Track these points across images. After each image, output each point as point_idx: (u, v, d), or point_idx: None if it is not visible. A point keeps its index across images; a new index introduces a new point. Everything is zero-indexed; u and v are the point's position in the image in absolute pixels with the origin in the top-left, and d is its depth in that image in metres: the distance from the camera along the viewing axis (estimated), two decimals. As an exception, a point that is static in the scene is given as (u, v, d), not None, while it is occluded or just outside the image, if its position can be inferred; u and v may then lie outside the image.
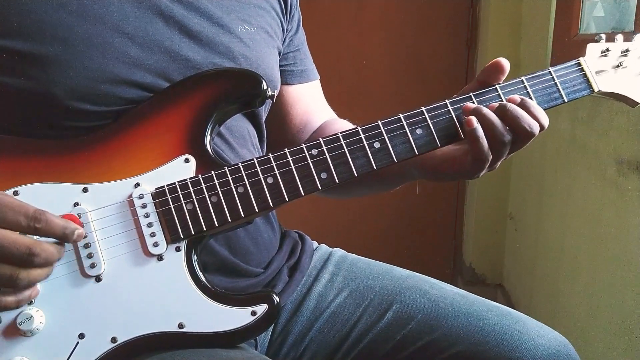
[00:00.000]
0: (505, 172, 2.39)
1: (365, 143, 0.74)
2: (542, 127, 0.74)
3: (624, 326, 1.33)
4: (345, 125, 0.98)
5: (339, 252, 0.99)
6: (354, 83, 2.53)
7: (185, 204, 0.71)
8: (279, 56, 0.91)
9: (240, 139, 0.83)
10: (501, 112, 0.73)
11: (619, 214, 1.37)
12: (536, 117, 0.73)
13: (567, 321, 1.70)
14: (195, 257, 0.72)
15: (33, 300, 0.67)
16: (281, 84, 0.95)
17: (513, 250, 2.39)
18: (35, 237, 0.65)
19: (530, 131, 0.73)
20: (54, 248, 0.66)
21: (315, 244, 1.01)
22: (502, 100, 0.76)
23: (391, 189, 0.92)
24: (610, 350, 1.40)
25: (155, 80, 0.75)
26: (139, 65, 0.74)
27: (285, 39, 0.93)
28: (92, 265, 0.69)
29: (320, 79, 1.03)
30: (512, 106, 0.73)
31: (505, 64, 0.75)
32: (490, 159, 0.73)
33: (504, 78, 0.77)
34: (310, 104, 0.99)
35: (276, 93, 0.88)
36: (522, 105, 0.74)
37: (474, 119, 0.72)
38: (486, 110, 0.73)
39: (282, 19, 0.91)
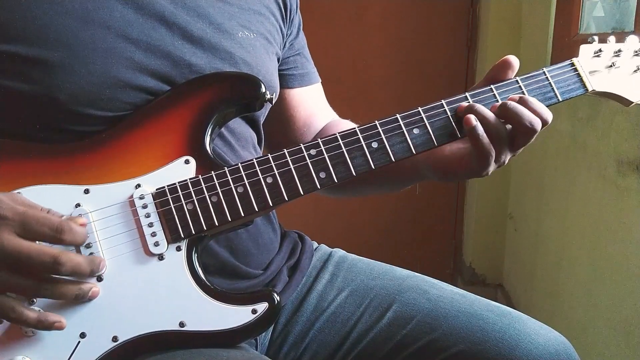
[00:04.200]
0: (505, 172, 2.38)
1: (363, 143, 0.74)
2: (545, 122, 0.75)
3: (624, 326, 1.33)
4: (347, 125, 0.99)
5: (339, 252, 1.00)
6: (354, 84, 2.53)
7: (186, 203, 0.71)
8: (278, 62, 0.92)
9: (242, 141, 0.84)
10: (503, 110, 0.74)
11: (619, 214, 1.38)
12: (537, 113, 0.74)
13: (566, 321, 1.70)
14: (196, 256, 0.72)
15: (35, 300, 0.67)
16: (283, 88, 0.95)
17: (513, 250, 2.39)
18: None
19: (531, 127, 0.73)
20: (82, 259, 0.66)
21: (315, 244, 1.01)
22: (496, 100, 0.77)
23: (402, 189, 0.93)
24: (610, 350, 1.40)
25: (158, 85, 0.75)
26: (143, 70, 0.74)
27: (285, 44, 0.93)
28: (94, 265, 0.69)
29: (320, 80, 1.03)
30: (512, 104, 0.74)
31: (514, 60, 0.77)
32: (494, 154, 0.74)
33: (513, 75, 0.78)
34: (312, 107, 1.00)
35: (275, 97, 0.88)
36: (522, 102, 0.74)
37: (472, 117, 0.73)
38: (479, 106, 0.74)
39: (282, 25, 0.92)
